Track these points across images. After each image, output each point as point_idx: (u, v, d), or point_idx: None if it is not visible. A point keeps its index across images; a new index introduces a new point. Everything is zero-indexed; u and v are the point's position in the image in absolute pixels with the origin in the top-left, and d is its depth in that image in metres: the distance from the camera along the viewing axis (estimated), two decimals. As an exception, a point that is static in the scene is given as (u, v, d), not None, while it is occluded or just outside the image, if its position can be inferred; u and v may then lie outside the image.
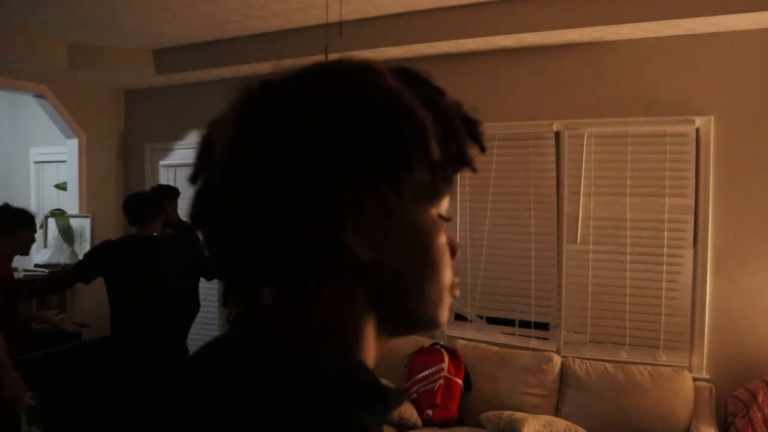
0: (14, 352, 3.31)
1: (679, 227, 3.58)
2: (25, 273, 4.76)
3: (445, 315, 0.60)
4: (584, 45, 3.79)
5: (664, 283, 3.61)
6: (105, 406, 3.09)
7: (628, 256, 3.69)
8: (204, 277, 3.71)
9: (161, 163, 5.47)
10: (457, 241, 4.29)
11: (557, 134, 3.88)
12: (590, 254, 3.80)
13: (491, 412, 3.37)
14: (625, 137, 3.70)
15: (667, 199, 3.60)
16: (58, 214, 5.47)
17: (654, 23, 3.34)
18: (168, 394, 0.55)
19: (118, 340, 3.35)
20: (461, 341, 4.08)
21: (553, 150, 3.89)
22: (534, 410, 3.53)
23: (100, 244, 3.56)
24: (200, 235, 0.58)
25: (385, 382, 0.54)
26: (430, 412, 3.69)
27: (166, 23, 4.23)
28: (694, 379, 3.43)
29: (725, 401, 3.28)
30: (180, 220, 3.99)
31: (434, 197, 0.57)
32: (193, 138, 5.36)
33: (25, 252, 3.55)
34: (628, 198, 3.69)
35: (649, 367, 3.50)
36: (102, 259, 3.38)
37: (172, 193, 4.08)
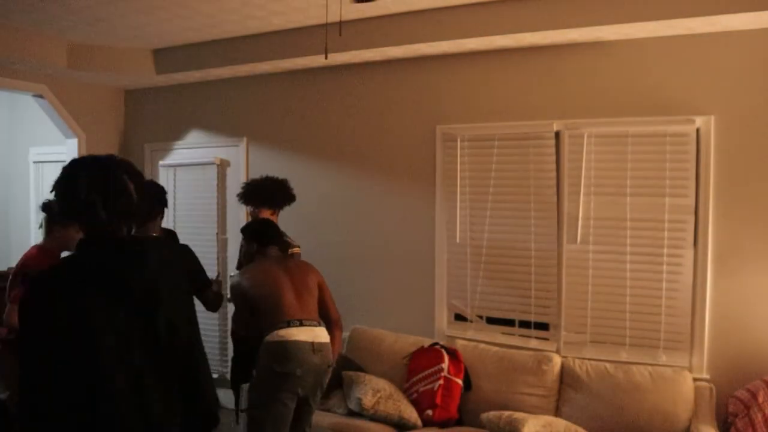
0: None
1: (679, 227, 3.58)
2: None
3: None
4: (584, 45, 3.79)
5: (664, 283, 3.61)
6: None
7: (628, 256, 3.69)
8: (197, 280, 3.53)
9: (161, 163, 5.47)
10: (457, 241, 4.30)
11: (557, 134, 3.87)
12: (590, 254, 3.80)
13: (491, 412, 3.37)
14: (625, 137, 3.70)
15: (667, 199, 3.60)
16: (58, 214, 5.47)
17: (654, 23, 3.34)
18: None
19: None
20: (461, 341, 4.07)
21: (553, 150, 3.89)
22: (534, 410, 3.54)
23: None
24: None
25: None
26: (430, 412, 3.69)
27: (165, 23, 4.23)
28: (695, 380, 3.43)
29: (725, 401, 3.28)
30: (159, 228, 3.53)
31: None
32: (192, 138, 5.36)
33: (71, 249, 3.66)
34: (628, 198, 3.69)
35: (649, 368, 3.50)
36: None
37: (165, 200, 3.52)
